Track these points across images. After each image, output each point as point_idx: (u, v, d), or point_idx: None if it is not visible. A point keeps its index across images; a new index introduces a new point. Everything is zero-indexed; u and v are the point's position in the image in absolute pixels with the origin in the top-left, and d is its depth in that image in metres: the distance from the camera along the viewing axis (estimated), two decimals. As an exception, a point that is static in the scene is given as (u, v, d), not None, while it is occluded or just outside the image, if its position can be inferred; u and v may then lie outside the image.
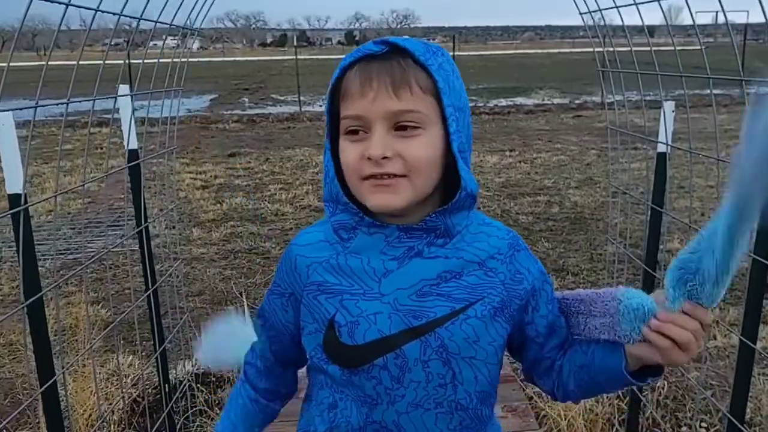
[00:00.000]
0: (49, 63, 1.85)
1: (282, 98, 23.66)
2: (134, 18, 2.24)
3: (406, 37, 1.12)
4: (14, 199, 1.80)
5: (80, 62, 1.94)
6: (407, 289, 1.10)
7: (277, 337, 1.26)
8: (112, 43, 2.85)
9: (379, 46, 1.06)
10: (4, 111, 1.68)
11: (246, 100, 23.30)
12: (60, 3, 1.64)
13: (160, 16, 2.54)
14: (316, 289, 1.15)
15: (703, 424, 3.18)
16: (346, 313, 1.11)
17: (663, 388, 3.39)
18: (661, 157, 2.70)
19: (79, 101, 1.93)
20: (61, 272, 5.49)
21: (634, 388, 2.92)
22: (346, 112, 1.06)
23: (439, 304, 1.10)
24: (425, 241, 1.11)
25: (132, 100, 2.67)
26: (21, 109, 1.90)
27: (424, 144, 1.05)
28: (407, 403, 1.12)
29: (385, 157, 1.03)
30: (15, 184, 1.79)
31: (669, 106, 2.58)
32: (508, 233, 1.20)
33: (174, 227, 5.52)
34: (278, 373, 1.33)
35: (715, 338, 4.09)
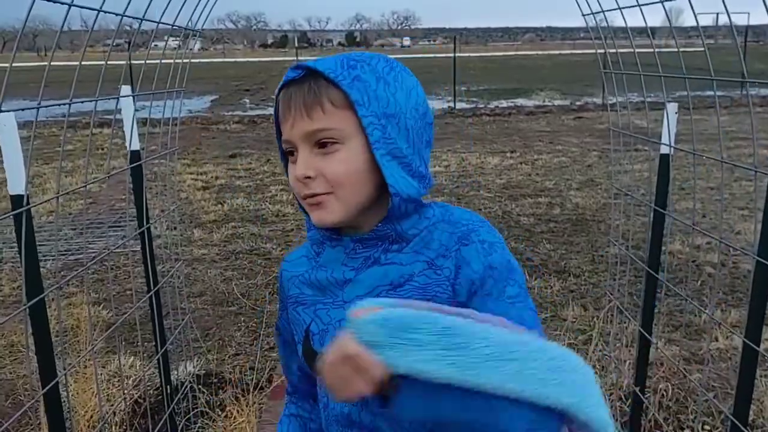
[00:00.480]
0: (51, 63, 1.85)
1: (283, 99, 23.66)
2: (137, 18, 2.24)
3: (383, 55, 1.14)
4: (16, 200, 1.79)
5: (81, 63, 1.94)
6: (363, 296, 1.12)
7: (294, 349, 1.30)
8: (111, 44, 2.85)
9: (295, 71, 1.10)
10: (6, 111, 1.68)
11: (247, 101, 23.31)
12: (63, 3, 1.64)
13: (162, 16, 2.54)
14: (294, 301, 1.23)
15: (706, 427, 3.17)
16: (319, 321, 1.18)
17: (665, 391, 3.39)
18: (664, 159, 2.69)
19: (82, 102, 1.92)
20: (62, 273, 5.49)
21: (636, 389, 2.92)
22: (284, 136, 1.12)
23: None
24: (380, 248, 1.13)
25: (134, 101, 2.67)
26: (23, 109, 1.89)
27: (342, 159, 1.07)
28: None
29: (308, 177, 1.07)
30: (17, 185, 1.79)
31: (672, 108, 2.58)
32: (463, 226, 1.15)
33: (175, 228, 5.52)
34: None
35: (717, 340, 4.08)
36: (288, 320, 1.28)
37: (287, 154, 1.13)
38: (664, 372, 3.60)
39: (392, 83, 1.10)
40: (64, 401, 2.48)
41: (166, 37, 3.01)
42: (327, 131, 1.06)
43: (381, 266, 1.13)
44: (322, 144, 1.07)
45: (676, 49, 2.45)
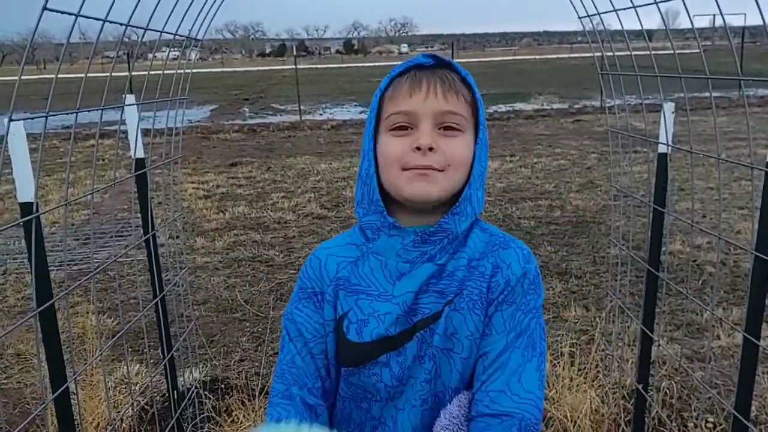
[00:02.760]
0: (52, 76, 1.88)
1: (282, 107, 23.73)
2: (140, 28, 2.27)
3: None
4: (26, 208, 1.82)
5: (82, 74, 1.97)
6: (414, 291, 1.16)
7: (315, 347, 1.23)
8: (111, 55, 2.89)
9: (427, 58, 1.20)
10: (15, 120, 1.71)
11: (246, 110, 23.36)
12: (70, 14, 1.67)
13: (164, 27, 2.57)
14: (340, 285, 1.22)
15: (709, 424, 3.19)
16: (359, 311, 1.18)
17: (668, 389, 3.41)
18: (662, 158, 2.72)
19: (88, 111, 1.95)
20: (67, 283, 5.52)
21: (639, 388, 2.94)
22: (395, 109, 1.17)
23: (432, 300, 1.17)
24: (438, 246, 1.17)
25: (138, 110, 2.70)
26: (32, 118, 1.93)
27: (463, 144, 1.18)
28: (405, 399, 1.18)
29: (431, 149, 1.13)
30: (27, 193, 1.82)
31: (669, 107, 2.61)
32: (500, 237, 1.24)
33: (178, 237, 5.55)
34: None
35: (719, 338, 4.10)
36: (310, 309, 1.23)
37: (393, 129, 1.17)
38: (666, 370, 3.62)
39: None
40: (74, 408, 2.50)
41: (165, 48, 3.04)
42: (456, 116, 1.16)
43: (434, 264, 1.18)
44: (447, 127, 1.16)
45: (672, 51, 2.48)
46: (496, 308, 1.16)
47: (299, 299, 1.26)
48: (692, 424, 3.20)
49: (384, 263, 1.18)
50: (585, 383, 3.31)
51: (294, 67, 23.19)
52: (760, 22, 1.95)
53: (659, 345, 3.51)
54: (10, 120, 1.65)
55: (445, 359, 1.16)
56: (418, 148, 1.13)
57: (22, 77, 1.69)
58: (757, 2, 1.95)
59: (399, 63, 1.23)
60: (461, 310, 1.16)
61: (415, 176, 1.14)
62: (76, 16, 1.69)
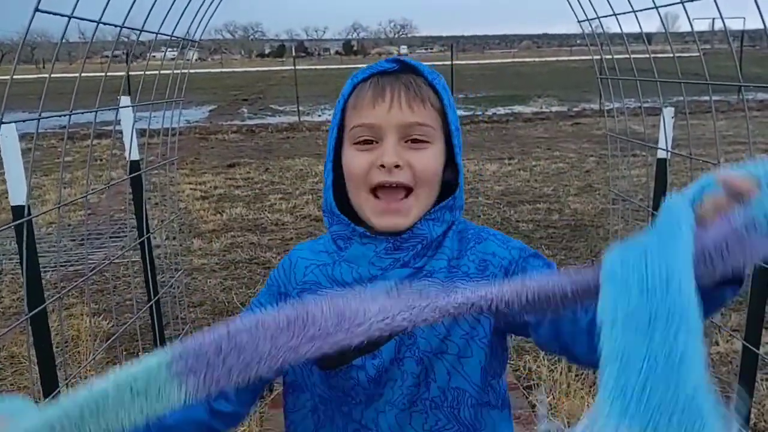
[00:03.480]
0: (51, 75, 1.86)
1: (281, 108, 23.71)
2: (135, 30, 2.25)
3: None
4: (18, 211, 1.80)
5: (81, 74, 1.95)
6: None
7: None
8: (110, 55, 2.86)
9: (390, 63, 1.12)
10: (7, 123, 1.69)
11: (245, 110, 23.35)
12: (62, 15, 1.65)
13: (160, 28, 2.56)
14: (307, 289, 1.18)
15: (707, 430, 3.18)
16: None
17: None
18: (662, 163, 2.71)
19: (82, 113, 1.93)
20: (62, 284, 5.49)
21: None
22: (358, 121, 1.10)
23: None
24: (412, 252, 1.13)
25: (134, 111, 2.68)
26: (24, 121, 1.90)
27: (432, 156, 1.11)
28: (385, 401, 1.13)
29: (397, 166, 1.07)
30: (18, 196, 1.80)
31: (669, 113, 2.59)
32: (471, 229, 1.20)
33: (174, 238, 5.52)
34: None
35: (717, 344, 4.09)
36: (270, 304, 1.14)
37: (357, 143, 1.11)
38: (664, 376, 3.60)
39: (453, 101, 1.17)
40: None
41: (163, 48, 3.02)
42: (424, 127, 1.09)
43: (408, 268, 1.14)
44: (414, 139, 1.09)
45: (672, 55, 2.46)
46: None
47: (263, 294, 1.24)
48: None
49: (355, 270, 1.15)
50: (582, 389, 3.29)
51: (293, 67, 23.19)
52: (760, 26, 1.93)
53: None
54: (1, 122, 1.63)
55: (438, 362, 1.12)
56: (383, 166, 1.07)
57: (22, 76, 1.67)
58: (757, 5, 1.94)
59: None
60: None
61: (384, 211, 1.09)
62: (69, 17, 1.67)
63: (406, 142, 1.09)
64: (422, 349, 1.12)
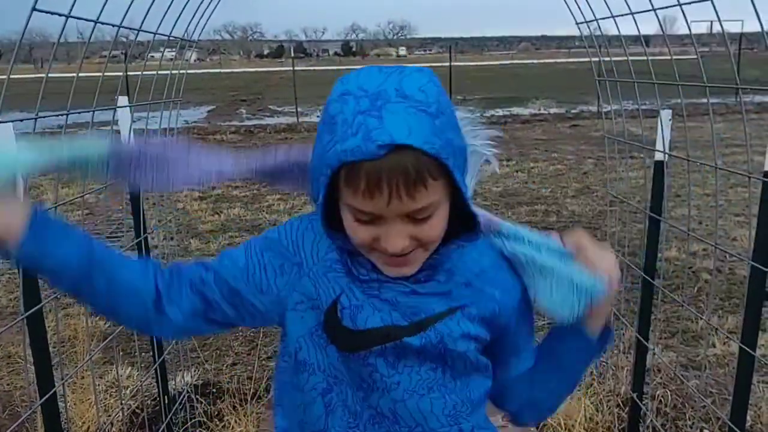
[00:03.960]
0: (48, 75, 1.86)
1: (279, 109, 23.70)
2: (133, 30, 2.25)
3: (405, 66, 1.06)
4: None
5: (79, 74, 1.95)
6: (404, 292, 1.14)
7: (234, 288, 1.17)
8: (108, 55, 2.86)
9: (383, 149, 0.96)
10: (4, 122, 1.69)
11: (243, 111, 23.34)
12: (60, 15, 1.65)
13: (158, 27, 2.55)
14: (329, 267, 1.15)
15: (704, 433, 3.18)
16: (351, 296, 1.13)
17: (663, 397, 3.39)
18: (659, 166, 2.71)
19: (79, 112, 1.93)
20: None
21: (634, 396, 2.92)
22: (354, 204, 1.01)
23: (438, 301, 1.14)
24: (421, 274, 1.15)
25: (131, 111, 2.68)
26: (21, 120, 1.90)
27: (437, 224, 1.06)
28: (403, 390, 1.15)
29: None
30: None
31: (666, 115, 2.60)
32: (491, 254, 1.22)
33: (172, 238, 5.52)
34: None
35: (714, 346, 4.09)
36: (274, 264, 1.17)
37: (351, 213, 1.04)
38: (661, 378, 3.60)
39: (457, 123, 1.08)
40: (62, 412, 2.48)
41: (162, 48, 3.02)
42: (429, 208, 1.02)
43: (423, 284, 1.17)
44: (419, 219, 1.03)
45: (670, 57, 2.47)
46: (508, 329, 1.21)
47: (267, 248, 1.19)
48: (687, 432, 3.18)
49: (371, 268, 1.14)
50: (579, 391, 3.29)
51: (292, 68, 23.19)
52: (758, 29, 1.93)
53: (654, 353, 3.49)
54: (-2, 122, 1.62)
55: (459, 359, 1.16)
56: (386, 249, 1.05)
57: (20, 76, 1.67)
58: (755, 8, 1.94)
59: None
60: (473, 319, 1.16)
61: (392, 264, 1.09)
62: (67, 17, 1.67)
63: (408, 217, 1.02)
64: (448, 347, 1.14)
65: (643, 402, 3.06)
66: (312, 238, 1.17)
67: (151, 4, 2.24)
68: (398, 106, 0.97)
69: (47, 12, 1.54)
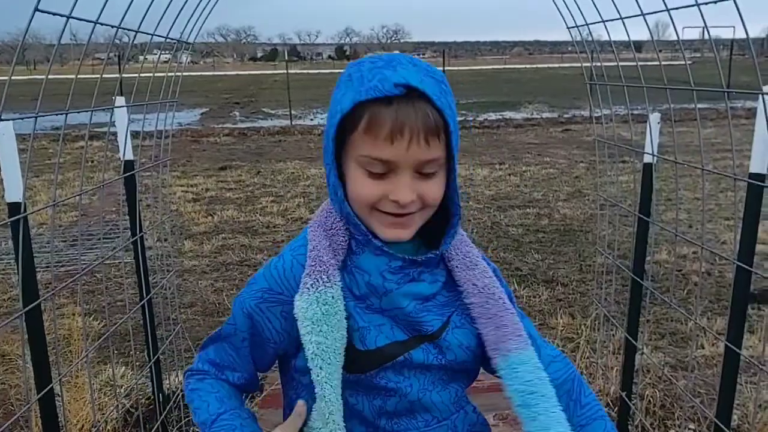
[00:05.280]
0: (42, 76, 1.89)
1: (273, 112, 23.72)
2: (131, 31, 2.28)
3: (414, 56, 1.14)
4: (14, 208, 1.82)
5: (72, 76, 1.98)
6: (405, 307, 1.18)
7: (261, 348, 1.25)
8: (103, 57, 2.89)
9: (399, 88, 1.04)
10: (5, 120, 1.72)
11: (237, 113, 23.34)
12: (61, 16, 1.68)
13: (156, 30, 2.58)
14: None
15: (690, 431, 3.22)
16: (358, 318, 1.17)
17: (652, 397, 3.43)
18: (648, 168, 2.75)
19: (78, 112, 1.96)
20: (53, 284, 5.49)
21: (623, 395, 2.96)
22: (373, 153, 1.06)
23: (433, 317, 1.21)
24: (419, 270, 1.20)
25: (128, 112, 2.71)
26: (22, 118, 1.93)
27: (439, 184, 1.12)
28: (416, 390, 1.22)
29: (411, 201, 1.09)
30: (15, 193, 1.82)
31: (654, 118, 2.64)
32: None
33: (166, 240, 5.54)
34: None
35: (703, 347, 4.14)
36: (275, 313, 1.20)
37: (367, 170, 1.08)
38: (650, 379, 3.65)
39: (454, 105, 1.14)
40: (58, 409, 2.50)
41: (156, 51, 3.05)
42: (437, 161, 1.09)
43: (417, 283, 1.20)
44: (425, 173, 1.09)
45: (660, 63, 2.51)
46: None
47: (263, 300, 1.21)
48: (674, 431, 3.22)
49: (368, 278, 1.17)
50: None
51: (285, 71, 23.19)
52: (750, 35, 1.98)
53: (643, 353, 3.54)
54: (0, 120, 1.65)
55: (460, 367, 1.25)
56: (397, 201, 1.08)
57: (12, 78, 1.69)
58: (741, 18, 1.99)
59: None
60: (458, 327, 1.23)
61: (391, 225, 1.12)
62: (68, 17, 1.70)
63: (416, 173, 1.09)
64: (448, 358, 1.22)
65: (632, 401, 3.10)
66: (299, 270, 1.18)
67: (150, 5, 2.27)
68: (410, 66, 1.07)
69: (50, 13, 1.57)
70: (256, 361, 1.28)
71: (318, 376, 1.14)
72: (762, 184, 2.04)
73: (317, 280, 1.14)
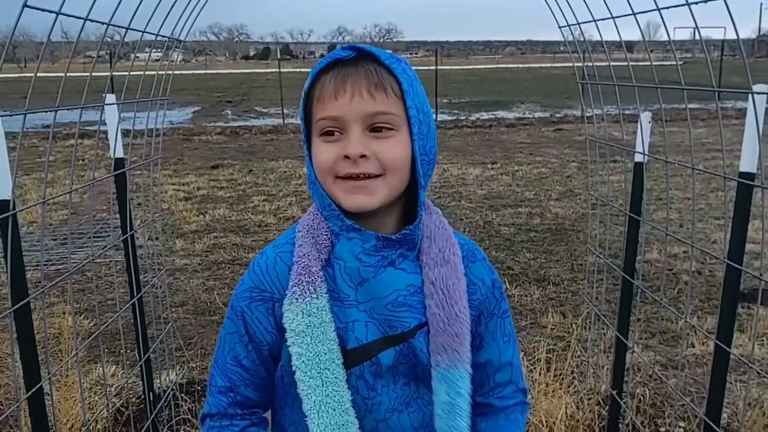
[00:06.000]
0: (31, 74, 1.88)
1: (265, 110, 23.67)
2: (122, 27, 2.27)
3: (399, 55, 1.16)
4: (3, 205, 1.81)
5: (63, 73, 1.97)
6: (383, 299, 1.14)
7: (259, 351, 1.21)
8: (93, 54, 2.87)
9: (347, 51, 1.10)
10: (-6, 118, 1.70)
11: (229, 112, 23.29)
12: (50, 12, 1.67)
13: (146, 27, 2.57)
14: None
15: (681, 430, 3.24)
16: (336, 319, 1.14)
17: (642, 395, 3.45)
18: (639, 167, 2.76)
19: (69, 109, 1.95)
20: (43, 283, 5.46)
21: (614, 393, 2.97)
22: (322, 113, 1.09)
23: (410, 315, 1.16)
24: (398, 252, 1.16)
25: (119, 109, 2.69)
26: (11, 115, 1.92)
27: (397, 144, 1.10)
28: (384, 410, 1.17)
29: (362, 156, 1.07)
30: (4, 190, 1.81)
31: (645, 117, 2.65)
32: (463, 246, 1.24)
33: (157, 238, 5.52)
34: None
35: (693, 346, 4.16)
36: (261, 312, 1.18)
37: (323, 135, 1.10)
38: (641, 377, 3.66)
39: (421, 85, 1.15)
40: (48, 407, 2.48)
41: (150, 49, 3.04)
42: (388, 115, 1.09)
43: (396, 269, 1.16)
44: (378, 128, 1.09)
45: (651, 63, 2.52)
46: (480, 322, 1.25)
47: (251, 300, 1.19)
48: (665, 430, 3.24)
49: (343, 267, 1.14)
50: (560, 389, 3.33)
51: (278, 70, 23.15)
52: (741, 36, 1.99)
53: (634, 352, 3.54)
54: (-12, 116, 1.64)
55: (420, 367, 1.18)
56: (348, 157, 1.08)
57: (2, 75, 1.68)
58: (731, 18, 1.99)
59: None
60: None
61: (351, 189, 1.09)
62: (57, 14, 1.69)
63: (371, 131, 1.09)
64: (420, 361, 1.17)
65: (623, 400, 3.11)
66: (282, 268, 1.17)
67: (140, 3, 2.26)
68: (371, 48, 1.12)
69: (38, 8, 1.56)
70: (268, 369, 1.23)
71: (300, 389, 1.12)
72: (751, 182, 2.04)
73: (304, 291, 1.12)
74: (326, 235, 1.16)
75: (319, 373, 1.10)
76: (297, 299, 1.12)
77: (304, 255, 1.14)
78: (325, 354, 1.11)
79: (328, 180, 1.11)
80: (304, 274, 1.13)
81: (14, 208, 1.80)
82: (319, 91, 1.10)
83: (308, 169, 1.15)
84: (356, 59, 1.10)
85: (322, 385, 1.11)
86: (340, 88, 1.07)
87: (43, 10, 1.60)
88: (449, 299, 1.15)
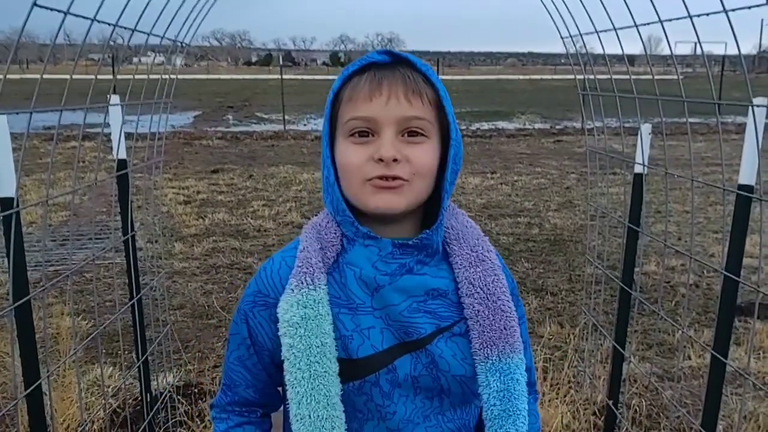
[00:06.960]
0: (35, 76, 1.89)
1: (266, 116, 23.71)
2: (127, 29, 2.28)
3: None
4: (6, 203, 1.82)
5: (66, 76, 1.98)
6: (398, 305, 1.12)
7: (260, 355, 1.21)
8: (96, 58, 2.89)
9: (382, 55, 1.11)
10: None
11: (230, 117, 23.32)
12: (59, 11, 1.69)
13: (152, 29, 2.59)
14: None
15: (677, 442, 3.24)
16: (341, 326, 1.12)
17: (638, 406, 3.45)
18: (638, 178, 2.78)
19: (73, 109, 1.96)
20: (42, 283, 5.46)
21: (610, 404, 2.98)
22: (354, 114, 1.08)
23: (427, 321, 1.13)
24: (416, 258, 1.14)
25: (123, 111, 2.71)
26: (17, 113, 1.93)
27: (429, 151, 1.10)
28: (398, 420, 1.13)
29: (395, 160, 1.06)
30: (8, 188, 1.82)
31: (645, 129, 2.67)
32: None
33: (156, 241, 5.53)
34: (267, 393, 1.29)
35: (689, 358, 4.16)
36: (265, 317, 1.17)
37: (353, 135, 1.09)
38: (637, 388, 3.67)
39: (448, 98, 1.15)
40: (45, 407, 2.49)
41: (151, 53, 3.06)
42: (422, 121, 1.08)
43: (413, 276, 1.14)
44: (412, 133, 1.08)
45: (652, 76, 2.54)
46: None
47: (255, 304, 1.19)
48: (661, 441, 3.24)
49: (358, 273, 1.13)
50: (557, 398, 3.34)
51: (280, 76, 23.19)
52: (742, 51, 2.00)
53: (631, 363, 3.55)
54: (-5, 114, 1.65)
55: (455, 382, 1.15)
56: (381, 160, 1.06)
57: (3, 76, 1.69)
58: (733, 33, 2.01)
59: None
60: (465, 335, 1.15)
61: (380, 188, 1.07)
62: (65, 13, 1.70)
63: (403, 135, 1.08)
64: (440, 368, 1.14)
65: (619, 410, 3.11)
66: (286, 271, 1.16)
67: (147, 5, 2.28)
68: (407, 54, 1.13)
69: (48, 8, 1.58)
70: (270, 374, 1.23)
71: (286, 379, 1.10)
72: (750, 195, 2.06)
73: (301, 282, 1.10)
74: (335, 234, 1.14)
75: (308, 365, 1.08)
76: (293, 290, 1.10)
77: (305, 248, 1.14)
78: (318, 347, 1.08)
79: (355, 182, 1.09)
80: (303, 266, 1.11)
81: (18, 206, 1.82)
82: (351, 92, 1.09)
83: (326, 170, 1.13)
84: (392, 64, 1.10)
85: (310, 377, 1.08)
86: (375, 90, 1.07)
87: (52, 10, 1.62)
88: (491, 295, 1.14)
